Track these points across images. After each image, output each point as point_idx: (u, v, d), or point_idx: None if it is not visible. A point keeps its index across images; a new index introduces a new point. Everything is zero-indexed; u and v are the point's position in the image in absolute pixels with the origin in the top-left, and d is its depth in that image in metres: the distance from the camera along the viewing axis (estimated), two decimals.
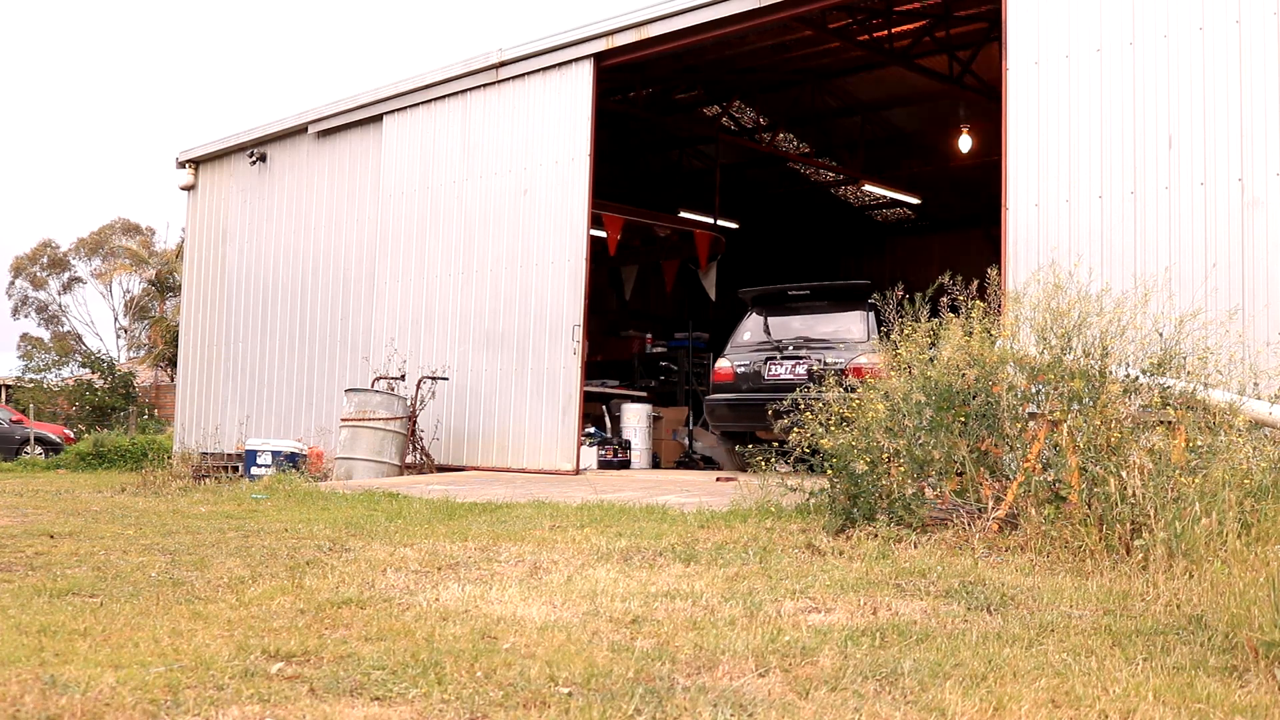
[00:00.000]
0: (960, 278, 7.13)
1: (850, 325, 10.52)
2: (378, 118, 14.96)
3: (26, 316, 49.75)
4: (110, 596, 4.61)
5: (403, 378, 13.49)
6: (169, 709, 3.00)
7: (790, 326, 11.10)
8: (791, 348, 10.67)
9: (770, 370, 10.68)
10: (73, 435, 24.55)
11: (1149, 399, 5.89)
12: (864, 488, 6.27)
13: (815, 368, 10.14)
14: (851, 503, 6.33)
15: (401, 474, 12.75)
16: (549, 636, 3.84)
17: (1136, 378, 6.08)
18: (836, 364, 9.92)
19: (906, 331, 6.88)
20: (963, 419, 6.27)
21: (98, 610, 4.30)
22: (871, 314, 10.23)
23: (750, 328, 11.29)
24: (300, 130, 16.10)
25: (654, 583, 4.86)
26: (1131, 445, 5.71)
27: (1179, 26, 8.46)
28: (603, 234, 16.97)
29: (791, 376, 10.39)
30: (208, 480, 12.27)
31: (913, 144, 19.94)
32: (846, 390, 8.89)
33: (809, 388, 9.43)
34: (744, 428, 11.07)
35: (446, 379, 13.37)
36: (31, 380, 31.32)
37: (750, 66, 16.61)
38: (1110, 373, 6.02)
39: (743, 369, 10.87)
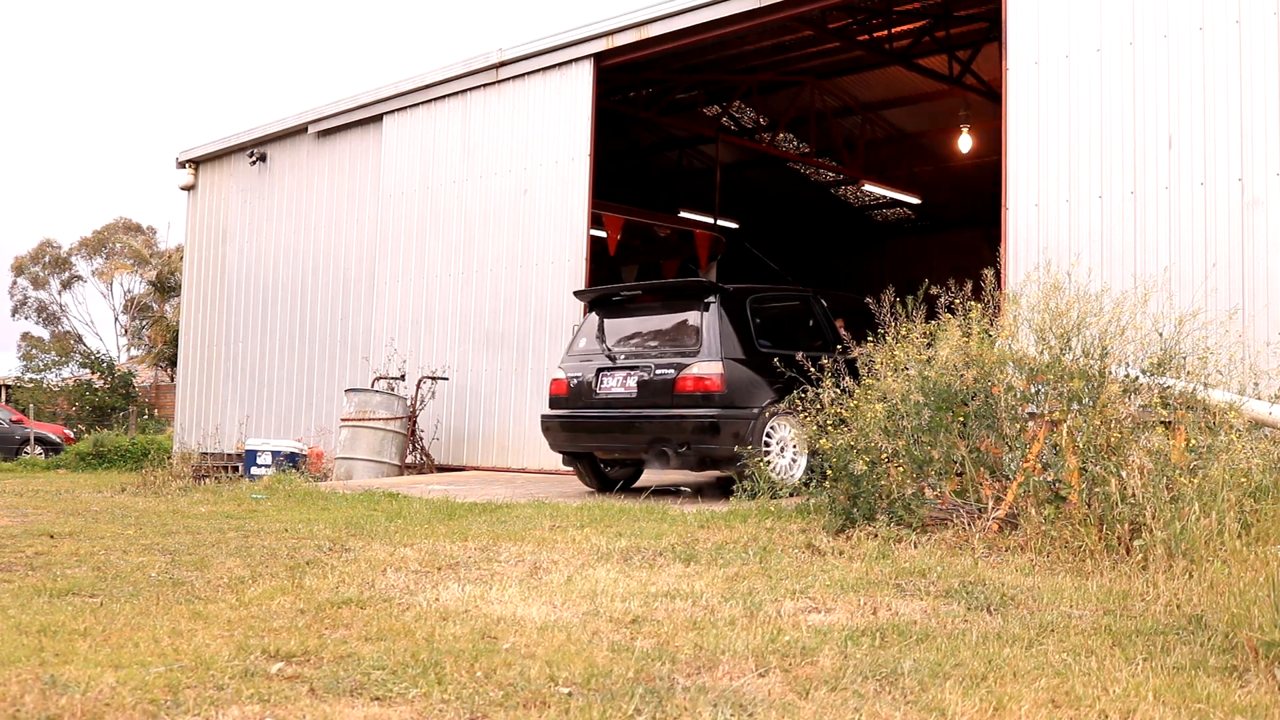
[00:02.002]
0: (955, 279, 7.12)
1: (686, 329, 9.11)
2: (378, 118, 14.97)
3: (26, 317, 49.77)
4: (110, 596, 4.61)
5: (403, 378, 13.49)
6: (169, 709, 3.00)
7: (624, 332, 9.68)
8: (624, 356, 9.25)
9: (603, 382, 9.22)
10: (73, 435, 24.55)
11: (1149, 399, 5.89)
12: (863, 488, 6.27)
13: (646, 379, 8.90)
14: (851, 503, 6.33)
15: (401, 474, 12.75)
16: (549, 636, 3.83)
17: (1136, 378, 6.08)
18: (666, 375, 8.74)
19: (903, 333, 6.87)
20: (962, 419, 6.27)
21: (98, 610, 4.30)
22: (709, 315, 8.88)
23: (586, 334, 9.87)
24: (300, 130, 16.10)
25: (654, 583, 4.86)
26: (1131, 445, 5.71)
27: (1179, 26, 8.46)
28: (603, 234, 16.98)
29: (623, 390, 9.05)
30: (208, 480, 12.27)
31: (913, 144, 19.95)
32: (675, 404, 8.43)
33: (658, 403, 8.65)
34: (581, 447, 9.59)
35: (446, 379, 13.37)
36: (31, 380, 31.32)
37: (750, 66, 16.61)
38: (1110, 373, 6.02)
39: (576, 381, 9.40)
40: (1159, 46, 8.54)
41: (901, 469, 6.28)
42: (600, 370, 9.27)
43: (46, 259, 49.39)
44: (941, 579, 4.88)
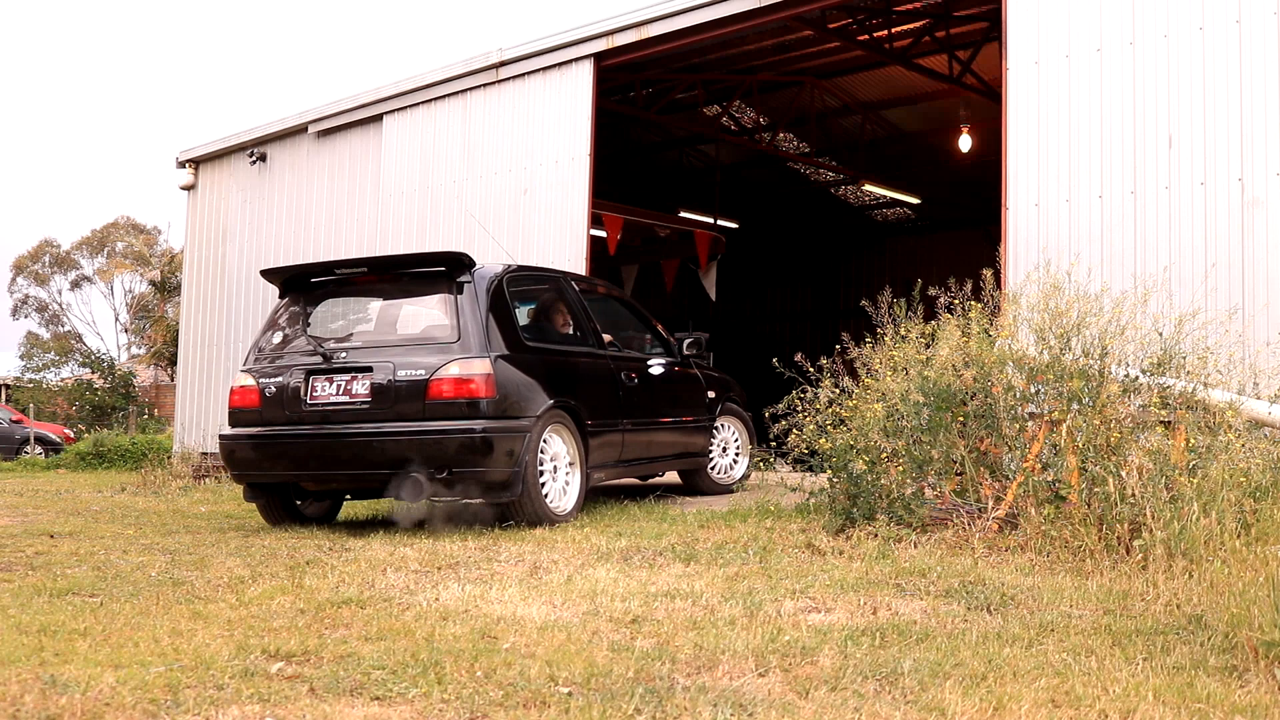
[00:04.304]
0: (955, 279, 7.12)
1: (434, 317, 7.20)
2: (378, 118, 14.97)
3: (27, 316, 49.82)
4: (110, 596, 4.61)
5: None
6: (169, 709, 3.00)
7: (343, 322, 7.63)
8: (346, 354, 7.07)
9: (315, 389, 7.03)
10: (73, 435, 24.56)
11: (1148, 399, 5.89)
12: (863, 488, 6.28)
13: (384, 383, 6.86)
14: (851, 503, 6.33)
15: None
16: (549, 636, 3.84)
17: (1136, 377, 6.08)
18: (413, 377, 6.78)
19: (902, 333, 6.88)
20: (961, 419, 6.28)
21: (98, 610, 4.31)
22: (467, 299, 7.01)
23: (283, 325, 7.60)
24: (300, 130, 16.10)
25: (654, 582, 4.87)
26: (1131, 445, 5.72)
27: (1179, 26, 8.46)
28: (603, 234, 16.97)
29: (348, 399, 6.93)
30: (208, 480, 12.26)
31: (913, 144, 19.95)
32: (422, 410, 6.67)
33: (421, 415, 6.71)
34: (283, 477, 7.34)
35: None
36: (31, 380, 31.32)
37: (750, 66, 16.61)
38: (1109, 372, 6.03)
39: (274, 388, 7.15)
40: (1159, 46, 8.54)
41: (901, 469, 6.28)
42: (311, 373, 7.08)
43: (46, 258, 49.42)
44: (941, 579, 4.89)
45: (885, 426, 6.36)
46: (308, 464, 7.11)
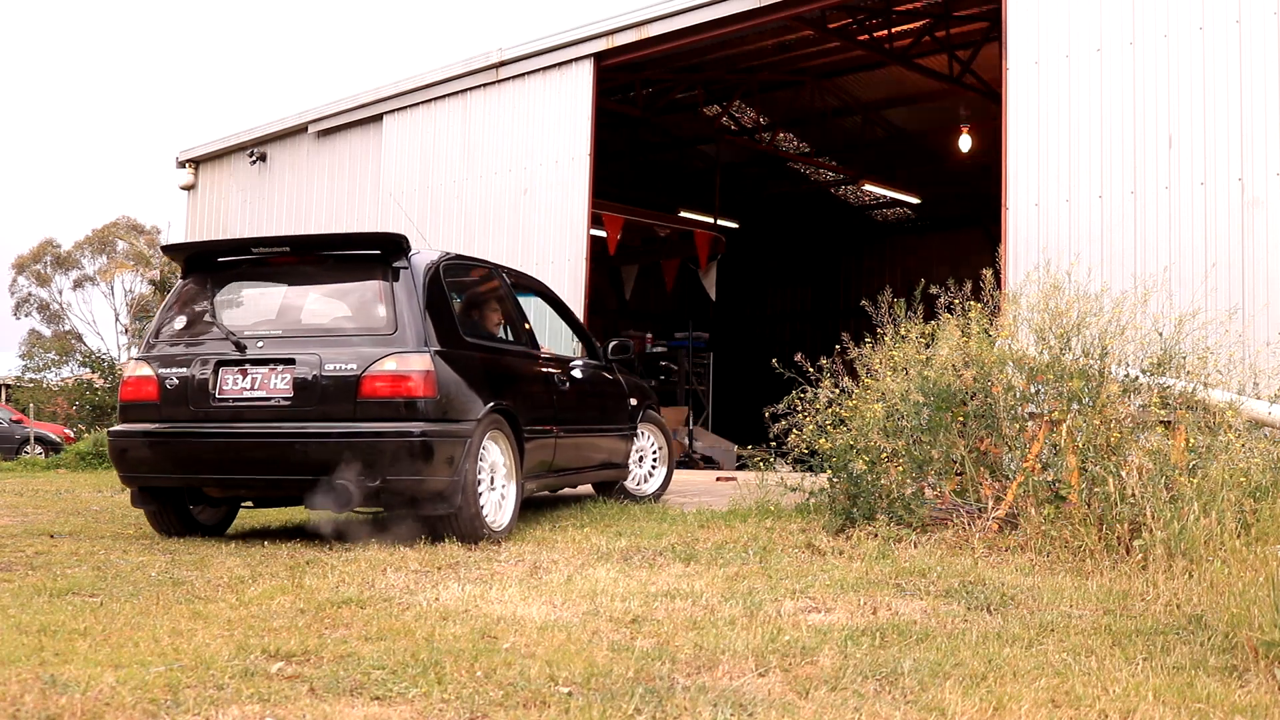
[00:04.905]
0: (955, 279, 7.12)
1: (366, 305, 6.48)
2: (378, 117, 14.97)
3: (28, 315, 49.85)
4: (110, 596, 4.61)
5: None
6: (169, 709, 3.00)
7: (259, 309, 6.90)
8: (263, 344, 6.36)
9: (226, 382, 6.32)
10: (73, 435, 24.56)
11: (1148, 399, 5.89)
12: (863, 488, 6.28)
13: (308, 378, 6.12)
14: (851, 502, 6.34)
15: None
16: (549, 636, 3.84)
17: (1136, 377, 6.08)
18: (343, 372, 6.07)
19: (901, 333, 6.88)
20: (961, 419, 6.28)
21: (98, 610, 4.31)
22: (403, 286, 6.34)
23: (187, 308, 6.79)
24: (300, 130, 16.11)
25: (654, 582, 4.87)
26: (1131, 445, 5.72)
27: (1179, 26, 8.46)
28: (603, 234, 16.98)
29: (266, 394, 6.22)
30: None
31: (913, 144, 19.96)
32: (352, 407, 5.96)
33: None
34: (186, 480, 6.50)
35: None
36: (32, 380, 31.34)
37: (750, 66, 16.62)
38: (1109, 372, 6.03)
39: (176, 379, 6.37)
40: (1159, 46, 8.54)
41: (901, 469, 6.28)
42: (222, 364, 6.34)
43: (48, 258, 49.44)
44: (941, 579, 4.89)
45: (885, 426, 6.36)
46: (216, 467, 6.35)
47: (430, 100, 14.32)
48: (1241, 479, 5.25)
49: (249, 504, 7.22)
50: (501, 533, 6.43)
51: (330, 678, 3.29)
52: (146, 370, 6.51)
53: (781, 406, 7.08)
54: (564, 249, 12.69)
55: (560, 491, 8.83)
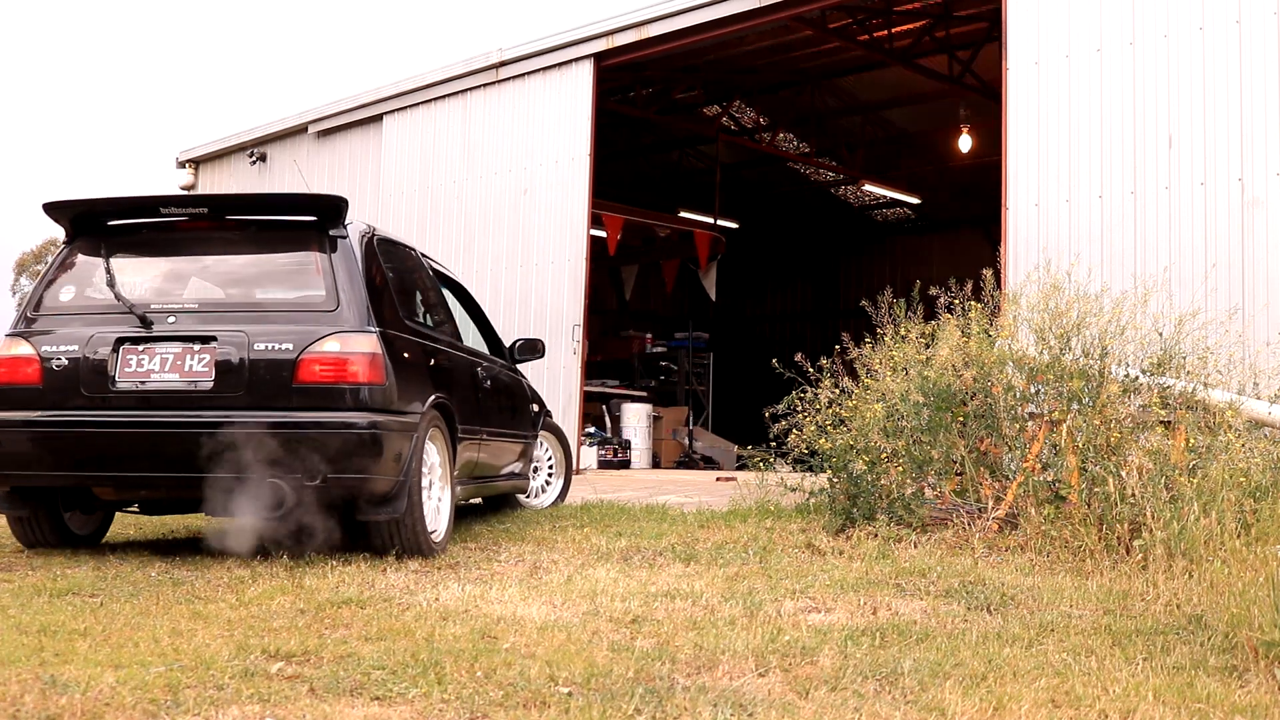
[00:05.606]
0: (955, 279, 7.12)
1: (300, 277, 5.69)
2: (378, 118, 14.97)
3: None
4: (110, 596, 4.61)
5: None
6: (169, 709, 3.00)
7: (171, 278, 5.81)
8: (175, 318, 5.42)
9: (129, 363, 5.34)
10: None
11: (1148, 399, 5.90)
12: (863, 488, 6.28)
13: (233, 359, 5.26)
14: (851, 503, 6.34)
15: None
16: (549, 636, 3.84)
17: (1136, 377, 6.08)
18: (276, 353, 5.21)
19: (901, 333, 6.88)
20: (961, 419, 6.28)
21: (98, 610, 4.30)
22: (343, 257, 5.62)
23: (77, 276, 5.74)
24: (300, 130, 16.11)
25: (654, 582, 4.87)
26: (1131, 445, 5.72)
27: (1179, 26, 8.46)
28: (603, 234, 16.98)
29: (180, 377, 5.29)
30: None
31: (913, 144, 19.96)
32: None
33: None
34: (71, 479, 5.52)
35: None
36: None
37: (750, 66, 16.61)
38: (1109, 373, 6.03)
39: (64, 358, 5.35)
40: (1159, 46, 8.54)
41: (901, 469, 6.28)
42: (124, 342, 5.36)
43: (49, 258, 49.47)
44: (941, 579, 4.89)
45: (885, 427, 6.36)
46: (115, 463, 5.35)
47: (430, 100, 14.32)
48: (1241, 479, 5.25)
49: (133, 509, 6.24)
50: (440, 545, 5.74)
51: (330, 678, 3.29)
52: (25, 349, 5.43)
53: (781, 407, 7.08)
54: (564, 249, 12.69)
55: (469, 501, 7.63)
